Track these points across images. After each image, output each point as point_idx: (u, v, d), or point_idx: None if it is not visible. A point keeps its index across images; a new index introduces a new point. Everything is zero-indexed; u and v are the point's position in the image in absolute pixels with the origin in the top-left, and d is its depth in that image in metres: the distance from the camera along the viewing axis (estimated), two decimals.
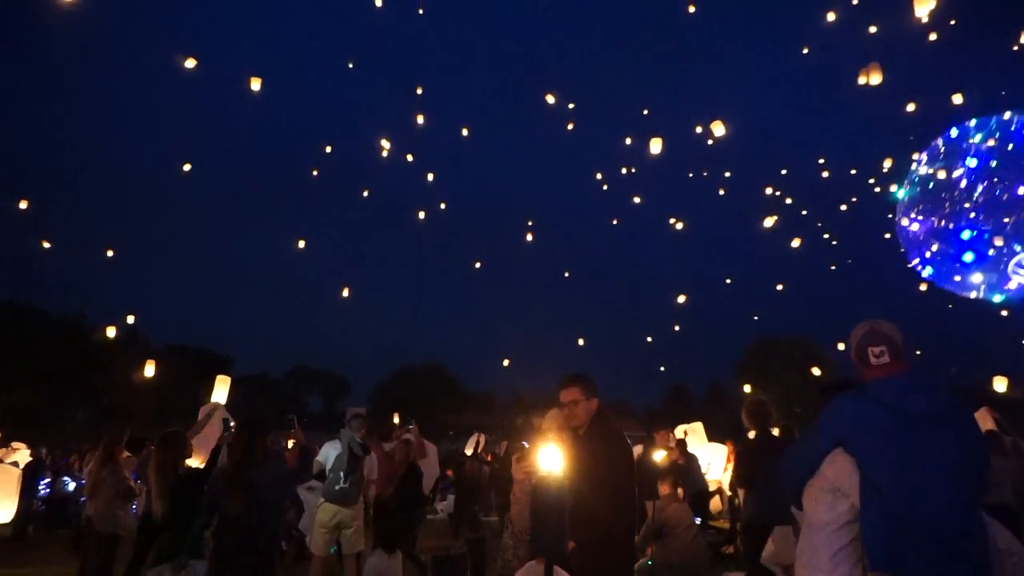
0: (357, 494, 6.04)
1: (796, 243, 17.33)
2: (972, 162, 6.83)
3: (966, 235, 6.68)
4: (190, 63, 14.04)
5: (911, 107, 13.60)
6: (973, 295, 7.30)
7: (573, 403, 3.14)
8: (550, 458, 2.62)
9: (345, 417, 6.80)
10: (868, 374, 2.43)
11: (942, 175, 7.02)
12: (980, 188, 6.66)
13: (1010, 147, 6.67)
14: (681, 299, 19.47)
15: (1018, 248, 6.57)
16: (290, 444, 6.71)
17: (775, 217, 16.18)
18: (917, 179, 7.51)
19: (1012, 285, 6.87)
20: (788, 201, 18.84)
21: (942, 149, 7.32)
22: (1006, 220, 6.52)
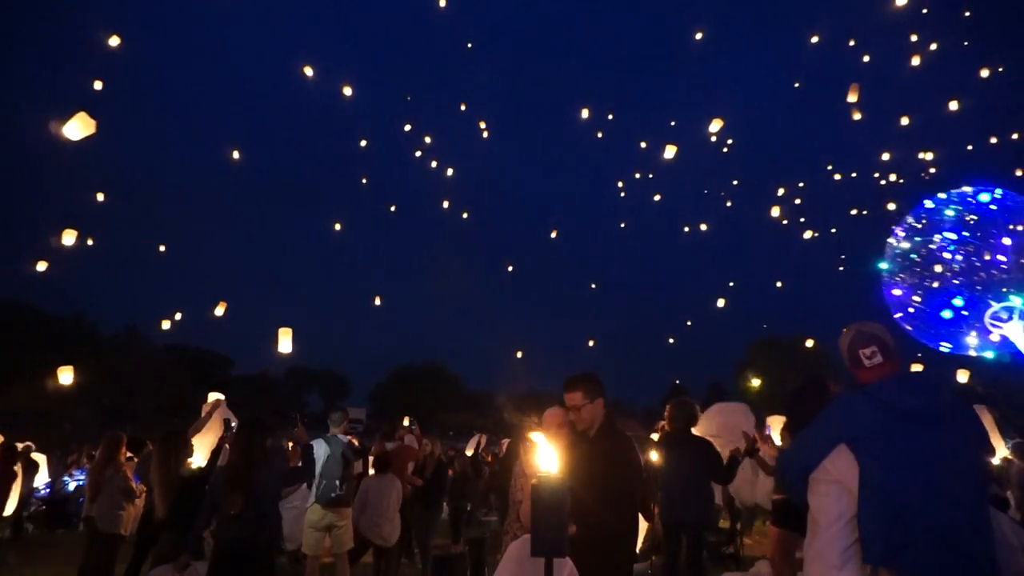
0: (351, 497, 6.10)
1: (808, 235, 17.51)
2: (951, 235, 7.51)
3: (959, 301, 7.30)
4: (308, 71, 13.80)
5: (905, 120, 14.22)
6: (972, 353, 7.85)
7: (577, 407, 3.09)
8: (548, 457, 2.63)
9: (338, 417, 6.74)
10: (863, 376, 2.42)
11: (920, 248, 7.72)
12: (958, 256, 7.28)
13: (975, 218, 7.38)
14: (720, 303, 19.53)
15: (992, 303, 7.09)
16: (290, 445, 6.71)
17: (779, 208, 16.29)
18: (897, 252, 8.19)
19: (995, 338, 7.38)
20: (797, 202, 18.95)
21: (918, 224, 7.98)
22: (977, 285, 7.09)
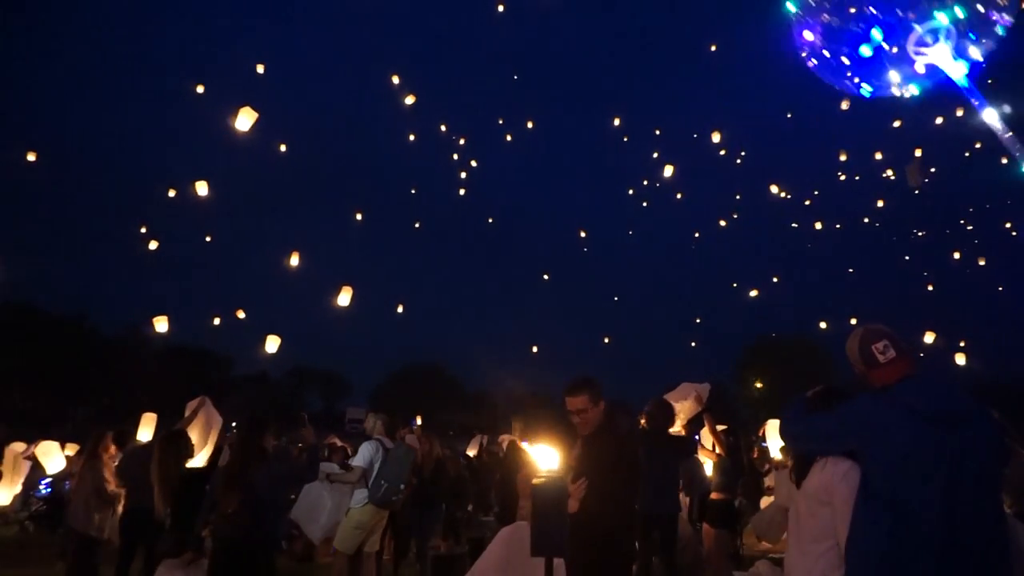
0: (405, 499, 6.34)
1: (819, 225, 17.69)
2: None
3: (877, 33, 6.22)
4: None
5: (896, 123, 14.56)
6: (896, 92, 6.90)
7: (583, 411, 3.10)
8: (548, 459, 2.64)
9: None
10: (877, 375, 2.32)
11: None
12: None
13: None
14: (753, 293, 19.79)
15: (916, 27, 6.12)
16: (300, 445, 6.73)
17: (780, 189, 16.39)
18: None
19: (919, 68, 6.49)
20: (807, 204, 19.04)
21: None
22: (897, 8, 6.11)
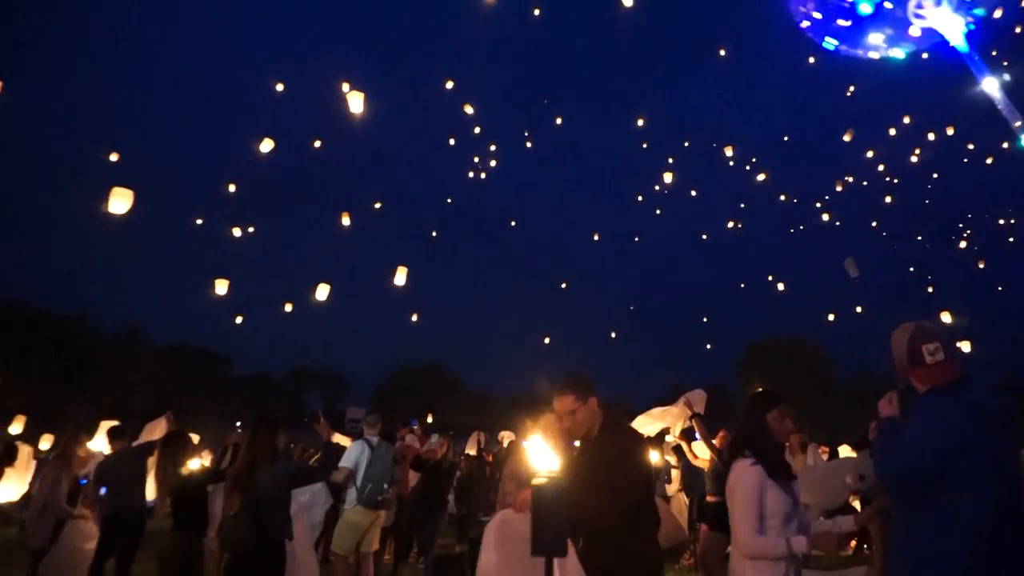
0: (394, 499, 6.38)
1: (825, 217, 17.82)
2: None
3: None
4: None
5: (892, 132, 14.55)
6: (876, 55, 6.68)
7: (571, 412, 2.93)
8: (546, 459, 2.64)
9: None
10: (920, 375, 2.28)
11: None
12: None
13: None
14: (780, 286, 20.06)
15: None
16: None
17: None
18: None
19: (915, 31, 6.30)
20: (818, 205, 19.12)
21: None
22: None
